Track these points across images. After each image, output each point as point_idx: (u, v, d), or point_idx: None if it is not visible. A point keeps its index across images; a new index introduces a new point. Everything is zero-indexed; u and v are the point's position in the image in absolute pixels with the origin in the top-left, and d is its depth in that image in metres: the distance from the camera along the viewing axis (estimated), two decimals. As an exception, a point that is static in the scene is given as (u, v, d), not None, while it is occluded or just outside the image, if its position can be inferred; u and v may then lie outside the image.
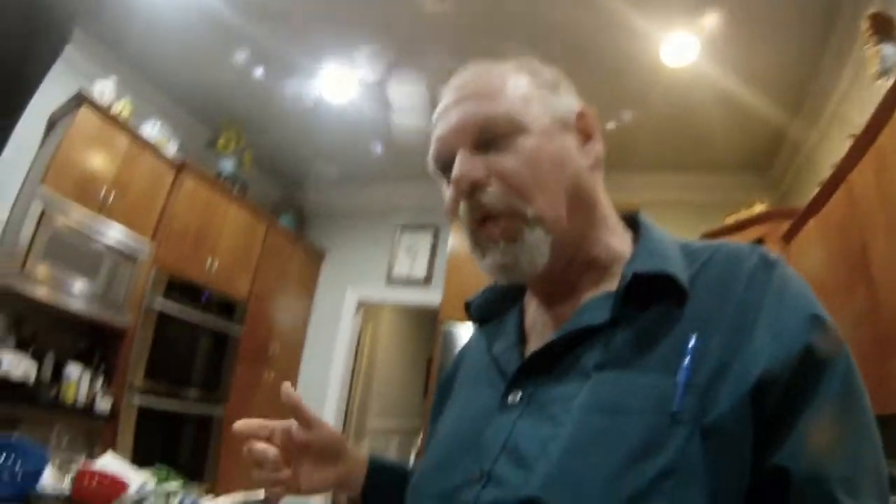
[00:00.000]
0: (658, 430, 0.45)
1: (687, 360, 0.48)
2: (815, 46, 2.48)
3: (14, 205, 2.83)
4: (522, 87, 0.60)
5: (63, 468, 1.24)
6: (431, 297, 3.99)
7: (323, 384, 4.36)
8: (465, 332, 3.28)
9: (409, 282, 4.21)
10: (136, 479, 1.32)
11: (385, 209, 4.50)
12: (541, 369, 0.55)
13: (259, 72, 3.24)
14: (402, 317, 6.38)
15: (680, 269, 0.54)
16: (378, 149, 3.79)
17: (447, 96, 0.62)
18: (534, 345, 0.59)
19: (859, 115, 2.12)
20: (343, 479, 0.70)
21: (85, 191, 2.85)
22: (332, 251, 4.70)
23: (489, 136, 0.58)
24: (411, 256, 4.25)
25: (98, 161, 2.95)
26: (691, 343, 0.48)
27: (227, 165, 3.80)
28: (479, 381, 0.64)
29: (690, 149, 3.36)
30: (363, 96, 3.31)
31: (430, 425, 0.74)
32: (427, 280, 4.15)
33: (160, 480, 1.31)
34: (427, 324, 6.43)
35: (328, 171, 4.35)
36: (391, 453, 6.33)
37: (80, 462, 1.28)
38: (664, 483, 0.43)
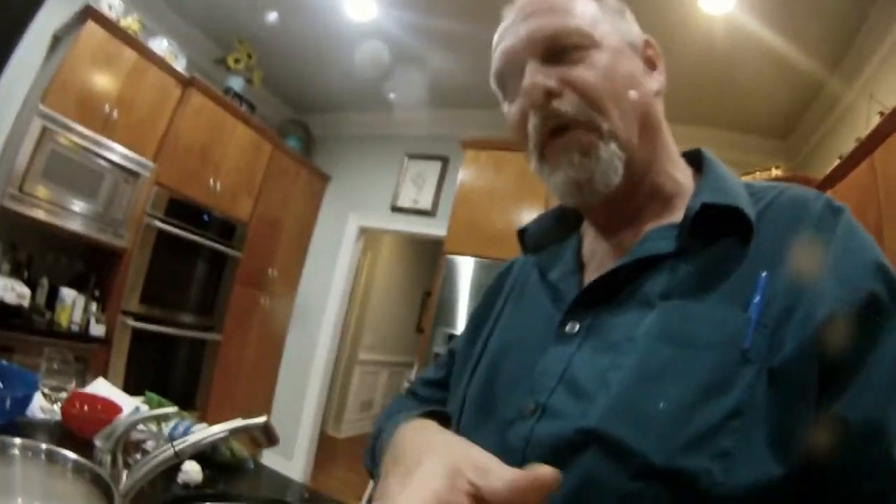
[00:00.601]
0: (728, 366, 0.44)
1: (758, 297, 0.47)
2: (861, 6, 2.34)
3: (14, 124, 2.76)
4: (591, 8, 0.58)
5: (54, 394, 1.22)
6: (436, 228, 3.96)
7: (319, 312, 4.39)
8: (468, 265, 3.27)
9: (413, 211, 4.16)
10: (129, 403, 1.30)
11: (393, 136, 4.41)
12: (601, 298, 0.53)
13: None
14: (402, 248, 6.38)
15: (747, 205, 0.52)
16: (391, 74, 3.66)
17: (512, 14, 0.60)
18: (592, 274, 0.58)
19: (892, 91, 2.03)
20: None
21: (87, 109, 2.78)
22: (336, 176, 4.63)
23: (561, 48, 0.56)
24: (418, 186, 4.19)
25: (102, 78, 2.86)
26: (762, 280, 0.47)
27: (236, 83, 3.70)
28: (530, 310, 0.62)
29: (716, 104, 3.27)
30: (383, 16, 3.16)
31: (464, 350, 0.70)
32: (432, 211, 4.09)
33: (152, 407, 1.29)
34: (427, 257, 6.46)
35: (339, 94, 4.23)
36: (380, 387, 6.46)
37: (71, 388, 1.26)
38: (733, 422, 0.43)
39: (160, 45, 3.20)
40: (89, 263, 3.10)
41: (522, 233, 0.72)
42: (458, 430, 0.60)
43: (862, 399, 0.43)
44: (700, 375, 0.44)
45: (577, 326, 0.53)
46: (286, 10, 3.29)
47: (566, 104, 0.54)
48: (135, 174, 2.99)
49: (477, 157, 3.47)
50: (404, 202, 4.21)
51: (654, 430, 0.43)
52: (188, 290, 3.47)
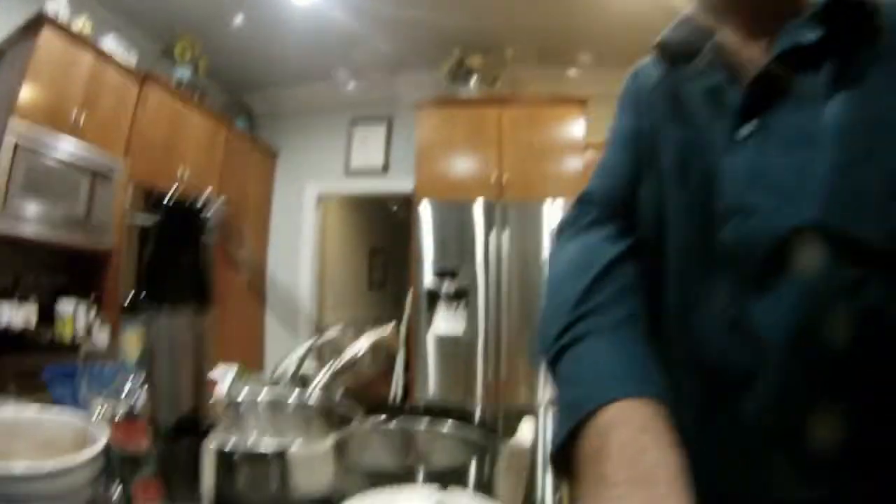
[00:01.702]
0: None
1: None
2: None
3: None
4: None
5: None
6: (391, 183, 4.33)
7: (293, 286, 4.62)
8: (441, 211, 3.59)
9: (367, 172, 4.46)
10: (219, 374, 1.41)
11: (337, 105, 4.62)
12: (766, 99, 0.50)
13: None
14: (346, 210, 6.60)
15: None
16: (330, 50, 3.89)
17: None
18: (746, 79, 0.53)
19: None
20: None
21: (56, 117, 2.81)
22: (286, 150, 4.82)
23: None
24: (366, 147, 4.47)
25: (66, 83, 2.90)
26: None
27: (185, 73, 3.82)
28: (693, 121, 0.57)
29: (643, 47, 3.64)
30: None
31: (632, 165, 0.67)
32: (385, 168, 4.42)
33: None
34: (373, 213, 6.72)
35: (279, 71, 4.40)
36: (345, 343, 6.65)
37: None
38: None
39: (111, 44, 3.24)
40: (77, 272, 3.12)
41: (661, 45, 0.65)
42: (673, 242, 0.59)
43: None
44: None
45: (750, 128, 0.50)
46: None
47: None
48: (108, 175, 3.04)
49: (430, 115, 3.80)
50: (357, 164, 4.48)
51: (871, 215, 0.43)
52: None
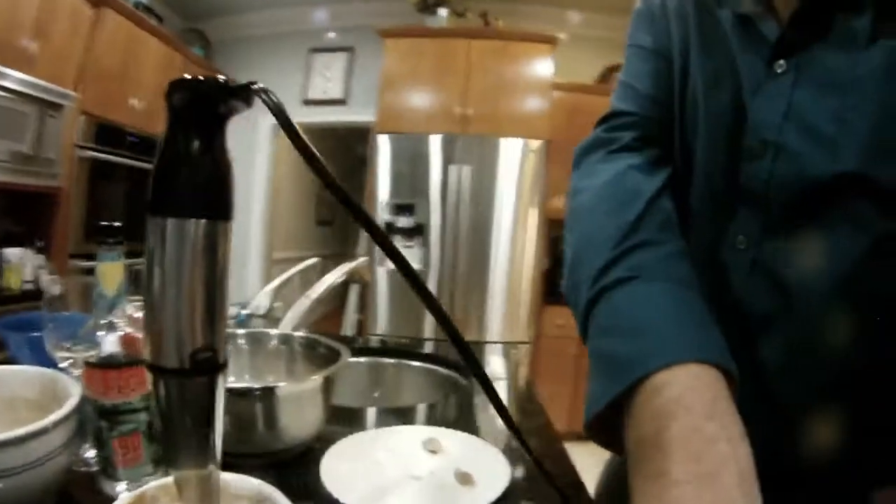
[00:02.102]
0: None
1: None
2: None
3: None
4: None
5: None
6: (350, 115, 4.18)
7: (246, 222, 4.54)
8: (399, 144, 3.51)
9: (325, 102, 4.29)
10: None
11: (295, 33, 4.43)
12: (804, 35, 0.47)
13: None
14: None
15: None
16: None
17: None
18: (784, 12, 0.49)
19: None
20: None
21: (5, 47, 2.59)
22: (242, 79, 4.45)
23: None
24: (325, 78, 4.29)
25: (16, 10, 2.66)
26: None
27: None
28: (724, 49, 0.53)
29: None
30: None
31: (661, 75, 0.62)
32: (344, 100, 4.26)
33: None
34: (326, 147, 6.53)
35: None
36: (294, 284, 6.61)
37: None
38: None
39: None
40: (19, 216, 2.94)
41: None
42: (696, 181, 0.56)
43: None
44: None
45: (786, 65, 0.47)
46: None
47: None
48: (59, 107, 2.85)
49: (397, 43, 3.66)
50: (315, 94, 4.29)
51: None
52: (130, 218, 3.39)
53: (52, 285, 0.72)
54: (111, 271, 0.59)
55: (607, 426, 0.46)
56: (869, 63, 0.42)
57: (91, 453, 0.67)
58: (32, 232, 2.89)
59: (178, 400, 0.37)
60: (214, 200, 0.33)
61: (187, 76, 0.33)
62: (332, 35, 4.35)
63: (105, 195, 3.21)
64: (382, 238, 0.38)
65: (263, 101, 0.35)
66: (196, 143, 0.33)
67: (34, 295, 2.61)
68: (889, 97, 0.41)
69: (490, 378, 0.47)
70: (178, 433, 0.38)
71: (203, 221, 0.33)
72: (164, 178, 0.33)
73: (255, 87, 0.34)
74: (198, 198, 0.33)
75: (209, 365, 0.36)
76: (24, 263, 2.70)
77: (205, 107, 0.34)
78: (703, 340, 0.43)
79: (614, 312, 0.48)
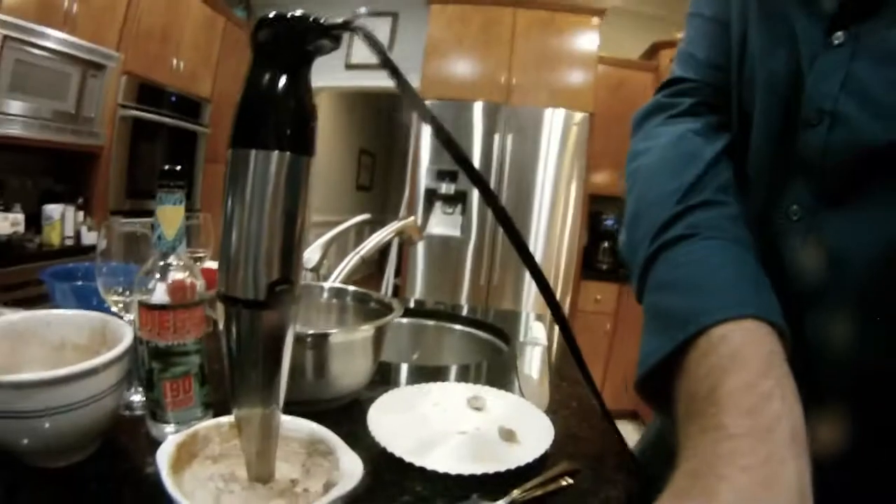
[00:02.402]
0: None
1: None
2: None
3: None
4: None
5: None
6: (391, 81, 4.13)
7: None
8: (444, 111, 3.47)
9: (368, 67, 4.26)
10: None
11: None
12: (862, 6, 0.46)
13: None
14: (341, 106, 6.41)
15: None
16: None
17: None
18: None
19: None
20: None
21: (46, 6, 2.61)
22: None
23: None
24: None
25: None
26: None
27: None
28: (782, 21, 0.52)
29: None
30: None
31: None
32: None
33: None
34: (366, 112, 6.54)
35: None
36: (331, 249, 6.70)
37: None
38: None
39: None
40: (60, 175, 3.03)
41: None
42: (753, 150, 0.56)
43: None
44: None
45: (843, 37, 0.47)
46: None
47: None
48: (101, 67, 2.87)
49: (443, 10, 3.61)
50: (358, 59, 4.28)
51: None
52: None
53: (99, 239, 0.74)
54: (172, 214, 0.60)
55: (658, 384, 0.46)
56: None
57: (137, 398, 0.69)
58: (74, 189, 2.95)
59: (251, 333, 0.38)
60: (298, 135, 0.34)
61: (278, 13, 0.33)
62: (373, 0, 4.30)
63: (146, 154, 3.26)
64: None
65: (365, 39, 0.35)
66: (283, 80, 0.33)
67: (75, 251, 2.74)
68: None
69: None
70: (246, 368, 0.39)
71: (288, 154, 0.33)
72: (250, 111, 0.34)
73: (355, 24, 0.34)
74: (283, 132, 0.33)
75: (286, 298, 0.36)
76: (64, 219, 2.76)
77: (295, 44, 0.34)
78: (760, 299, 0.44)
79: (672, 269, 0.49)
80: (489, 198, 0.40)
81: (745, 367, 0.38)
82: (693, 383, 0.40)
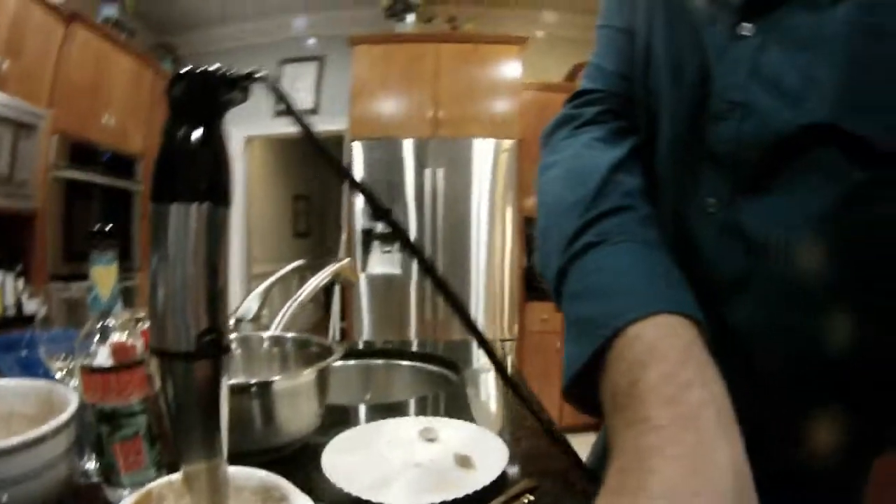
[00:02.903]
0: None
1: None
2: None
3: None
4: None
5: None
6: (322, 124, 4.15)
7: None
8: (373, 150, 3.52)
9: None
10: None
11: (263, 45, 4.44)
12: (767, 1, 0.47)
13: None
14: (273, 152, 6.37)
15: None
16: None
17: None
18: None
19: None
20: None
21: None
22: None
23: None
24: (296, 88, 4.28)
25: None
26: None
27: (110, 10, 3.59)
28: (687, 17, 0.53)
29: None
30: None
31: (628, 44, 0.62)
32: (315, 109, 4.27)
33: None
34: (297, 158, 6.50)
35: (203, 10, 4.15)
36: (275, 298, 6.54)
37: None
38: None
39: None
40: None
41: None
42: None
43: None
44: None
45: (752, 28, 0.47)
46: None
47: None
48: (33, 127, 2.82)
49: (367, 50, 3.67)
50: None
51: (882, 119, 0.41)
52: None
53: (39, 307, 0.72)
54: (106, 274, 0.59)
55: (585, 390, 0.46)
56: (834, 21, 0.42)
57: (92, 465, 0.67)
58: (11, 256, 2.85)
59: (185, 385, 0.37)
60: (215, 187, 0.35)
61: (189, 68, 0.34)
62: (306, 43, 4.36)
63: (82, 215, 3.19)
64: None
65: (270, 89, 0.36)
66: (197, 133, 0.34)
67: (16, 320, 2.62)
68: (857, 51, 0.41)
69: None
70: (185, 421, 0.39)
71: (206, 205, 0.34)
72: (167, 165, 0.34)
73: (259, 75, 0.35)
74: (199, 184, 0.34)
75: (215, 347, 0.36)
76: (4, 288, 2.68)
77: (206, 97, 0.35)
78: (672, 293, 0.44)
79: (583, 277, 0.49)
80: (396, 230, 0.40)
81: (663, 359, 0.38)
82: (614, 382, 0.41)
